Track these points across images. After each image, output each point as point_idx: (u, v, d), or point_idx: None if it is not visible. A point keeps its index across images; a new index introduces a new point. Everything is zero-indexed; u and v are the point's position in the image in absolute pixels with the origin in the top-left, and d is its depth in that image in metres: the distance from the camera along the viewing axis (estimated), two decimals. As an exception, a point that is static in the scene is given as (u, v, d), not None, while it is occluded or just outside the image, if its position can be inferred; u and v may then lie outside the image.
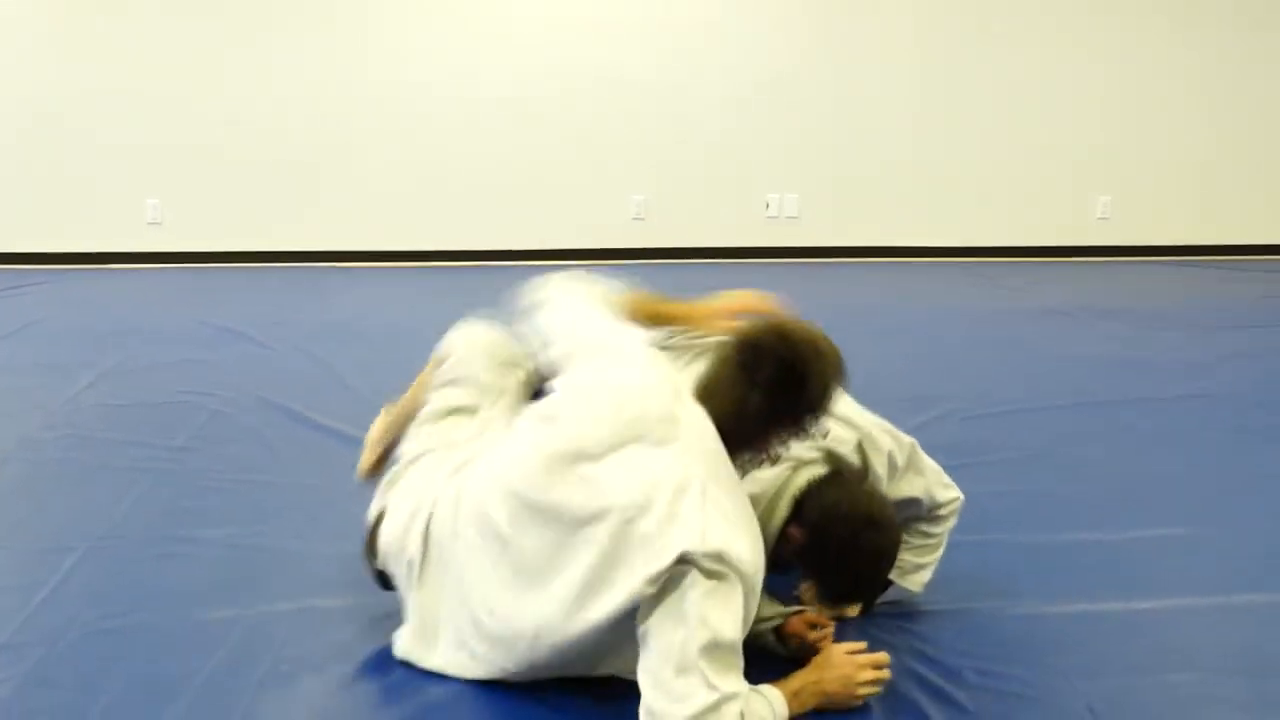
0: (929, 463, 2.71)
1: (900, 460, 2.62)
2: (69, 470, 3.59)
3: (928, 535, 2.72)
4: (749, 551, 2.09)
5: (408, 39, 7.17)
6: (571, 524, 2.12)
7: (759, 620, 2.37)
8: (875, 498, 2.41)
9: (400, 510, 2.42)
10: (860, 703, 2.26)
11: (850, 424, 2.55)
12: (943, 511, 2.72)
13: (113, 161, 7.15)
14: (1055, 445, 3.91)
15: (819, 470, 2.42)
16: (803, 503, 2.36)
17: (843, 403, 2.52)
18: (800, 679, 2.25)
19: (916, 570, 2.71)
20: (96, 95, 7.06)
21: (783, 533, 2.36)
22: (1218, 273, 7.47)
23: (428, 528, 2.34)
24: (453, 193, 7.41)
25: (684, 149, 7.45)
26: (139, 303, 6.21)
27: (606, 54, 7.32)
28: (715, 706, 1.99)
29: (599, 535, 2.08)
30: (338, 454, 3.55)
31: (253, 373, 4.68)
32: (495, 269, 7.16)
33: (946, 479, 2.74)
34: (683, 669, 2.00)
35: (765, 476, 2.40)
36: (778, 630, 2.44)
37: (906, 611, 2.68)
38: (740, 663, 2.08)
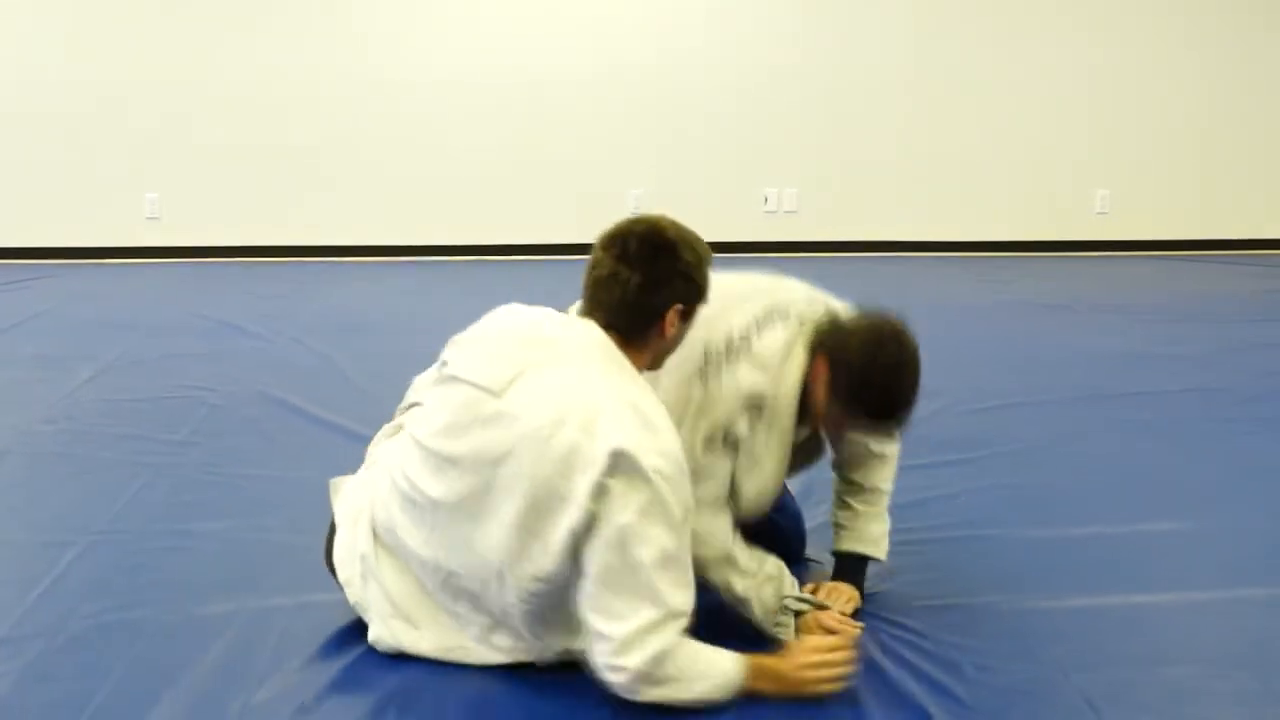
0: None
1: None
2: (68, 464, 3.59)
3: (885, 495, 2.75)
4: (669, 444, 2.13)
5: (406, 33, 7.16)
6: (492, 462, 2.16)
7: (783, 599, 2.44)
8: (883, 319, 2.46)
9: (345, 519, 2.47)
10: (814, 691, 2.25)
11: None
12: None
13: (111, 157, 7.15)
14: (1053, 439, 3.91)
15: (819, 320, 2.48)
16: (815, 346, 2.43)
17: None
18: (762, 657, 2.28)
19: (884, 538, 2.73)
20: (95, 90, 7.06)
21: (806, 384, 2.40)
22: (1216, 267, 7.47)
23: (372, 521, 2.40)
24: (451, 187, 7.40)
25: (682, 143, 7.45)
26: (138, 297, 6.21)
27: (606, 48, 7.32)
28: (659, 623, 2.07)
29: (522, 464, 2.12)
30: (337, 447, 3.55)
31: (252, 366, 4.68)
32: (493, 263, 7.16)
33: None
34: (623, 589, 2.06)
35: (765, 351, 2.41)
36: (797, 621, 2.46)
37: (905, 606, 2.68)
38: (690, 577, 2.13)
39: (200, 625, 2.55)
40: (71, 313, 5.76)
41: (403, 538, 2.33)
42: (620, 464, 2.05)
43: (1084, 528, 3.16)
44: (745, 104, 7.42)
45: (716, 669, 2.19)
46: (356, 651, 2.40)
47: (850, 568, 2.73)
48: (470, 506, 2.21)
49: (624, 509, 2.06)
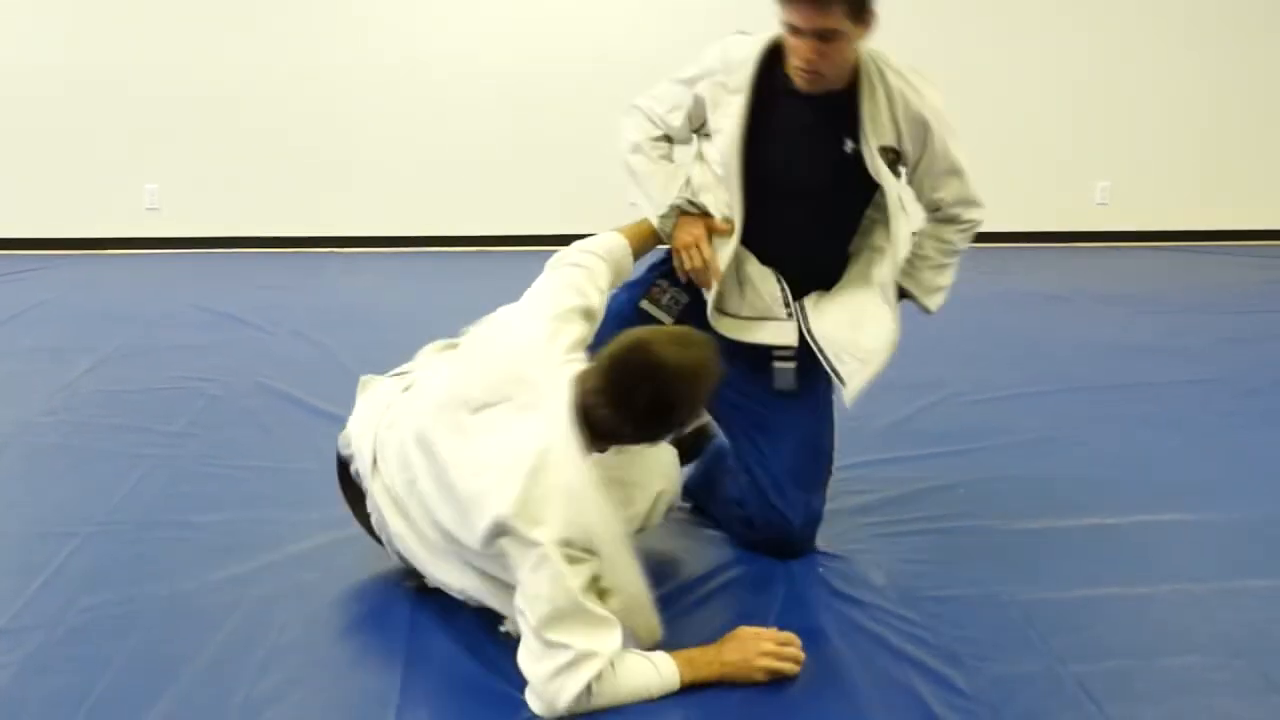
0: (966, 167, 2.80)
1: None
2: (68, 455, 3.59)
3: (947, 252, 2.86)
4: (572, 527, 2.14)
5: (407, 23, 7.14)
6: (443, 466, 2.28)
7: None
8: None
9: (360, 440, 2.60)
10: (761, 678, 2.28)
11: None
12: (964, 227, 2.86)
13: (111, 147, 7.13)
14: (1053, 431, 3.91)
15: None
16: None
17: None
18: (700, 649, 2.31)
19: (935, 291, 2.87)
20: (94, 81, 7.04)
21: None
22: (1217, 258, 7.46)
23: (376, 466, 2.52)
24: (452, 178, 7.39)
25: (683, 135, 7.43)
26: (137, 288, 6.20)
27: (607, 41, 7.30)
28: (572, 664, 2.11)
29: (457, 483, 2.24)
30: (336, 439, 3.54)
31: (251, 358, 4.68)
32: (495, 254, 7.15)
33: (976, 195, 2.85)
34: (535, 630, 2.13)
35: None
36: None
37: (904, 596, 2.68)
38: (597, 619, 2.15)
39: (200, 615, 2.55)
40: (70, 304, 5.75)
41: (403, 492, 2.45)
42: (503, 530, 2.13)
43: (1084, 519, 3.16)
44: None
45: (645, 683, 2.22)
46: (359, 640, 2.40)
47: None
48: (431, 490, 2.33)
49: (519, 565, 2.15)
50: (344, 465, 2.63)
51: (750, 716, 2.22)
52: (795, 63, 2.59)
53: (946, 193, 2.79)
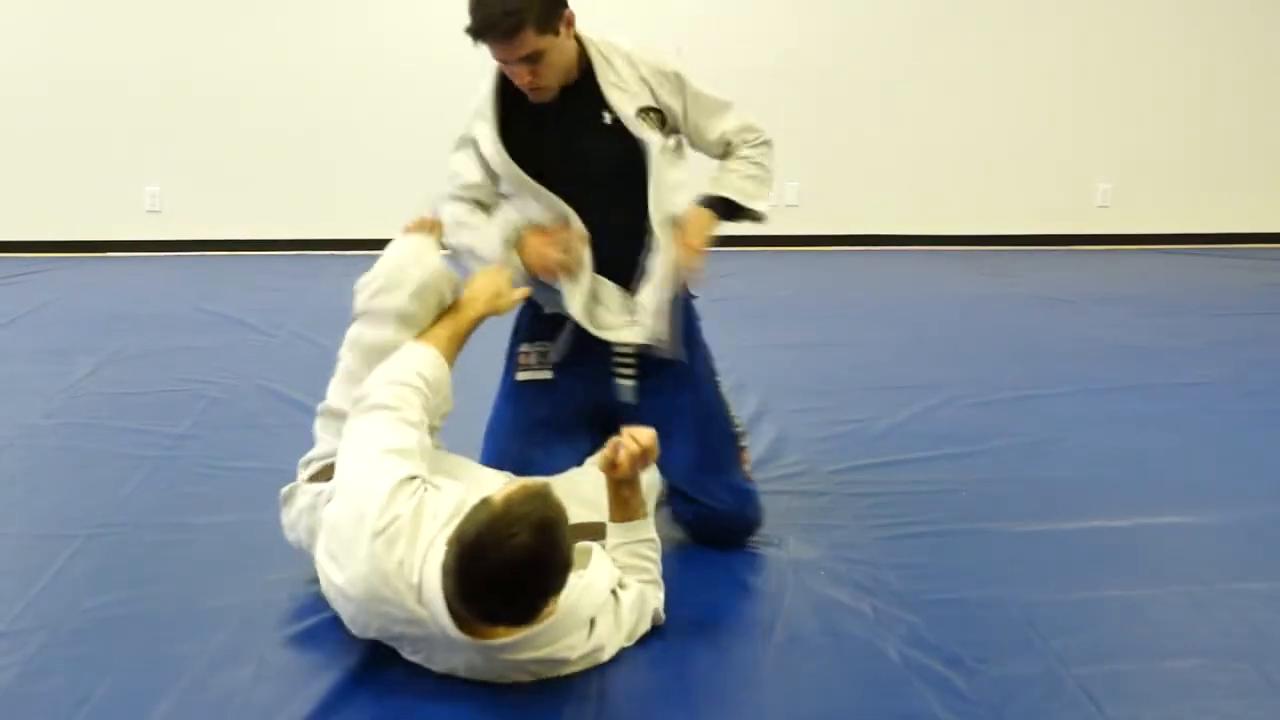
0: (733, 100, 2.92)
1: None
2: (69, 457, 3.59)
3: (752, 163, 2.90)
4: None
5: (409, 26, 7.14)
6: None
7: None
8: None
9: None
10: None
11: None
12: (752, 139, 2.91)
13: (112, 149, 7.14)
14: (1055, 433, 3.90)
15: None
16: None
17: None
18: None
19: (755, 198, 2.89)
20: (95, 83, 7.04)
21: None
22: (1218, 260, 7.47)
23: None
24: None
25: (684, 136, 7.43)
26: (138, 290, 6.20)
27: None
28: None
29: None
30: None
31: (252, 360, 4.68)
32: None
33: (753, 120, 2.94)
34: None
35: None
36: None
37: (905, 598, 2.68)
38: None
39: (201, 617, 2.55)
40: (72, 306, 5.75)
41: None
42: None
43: (1085, 521, 3.16)
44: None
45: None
46: (360, 644, 2.40)
47: (713, 205, 2.86)
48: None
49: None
50: None
51: (754, 716, 2.22)
52: (519, 85, 2.68)
53: (726, 126, 2.87)
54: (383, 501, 2.22)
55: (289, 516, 2.66)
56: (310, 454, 2.71)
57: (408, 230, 2.83)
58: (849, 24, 7.46)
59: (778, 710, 2.24)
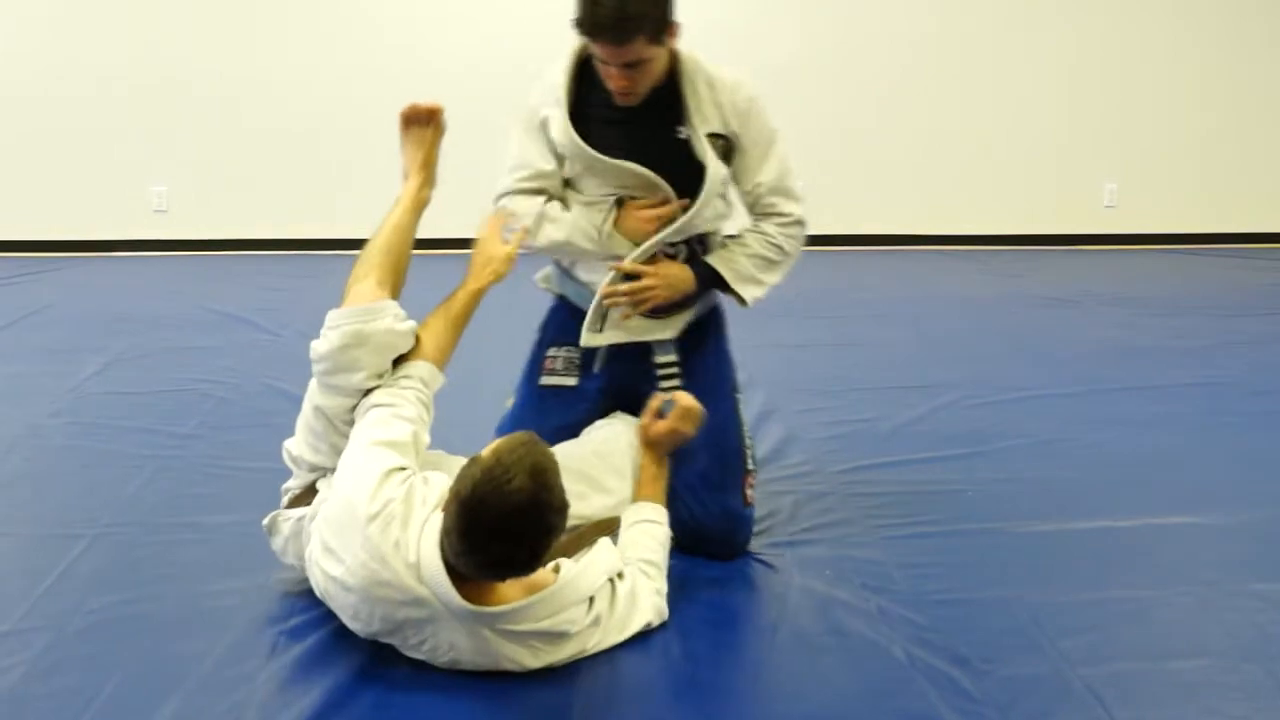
0: (786, 157, 2.86)
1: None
2: (75, 457, 3.60)
3: (769, 245, 2.85)
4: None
5: (413, 25, 7.15)
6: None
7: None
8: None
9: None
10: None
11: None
12: (783, 220, 2.85)
13: (118, 149, 7.14)
14: (1060, 433, 3.90)
15: None
16: None
17: None
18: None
19: (750, 282, 2.84)
20: (101, 83, 7.05)
21: None
22: (1225, 261, 7.45)
23: None
24: (459, 181, 7.38)
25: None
26: (145, 290, 6.21)
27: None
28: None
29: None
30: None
31: (259, 360, 4.68)
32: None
33: (794, 188, 2.86)
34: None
35: None
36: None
37: (911, 598, 2.68)
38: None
39: (208, 616, 2.56)
40: (79, 306, 5.76)
41: None
42: None
43: (1091, 521, 3.15)
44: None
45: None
46: (365, 643, 2.40)
47: (700, 272, 2.85)
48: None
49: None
50: None
51: (760, 715, 2.22)
52: (610, 86, 2.64)
53: (765, 175, 2.81)
54: (372, 488, 2.27)
55: (277, 544, 2.66)
56: (288, 483, 2.72)
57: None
58: (855, 23, 7.45)
59: (783, 709, 2.24)
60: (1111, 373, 4.65)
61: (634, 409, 2.85)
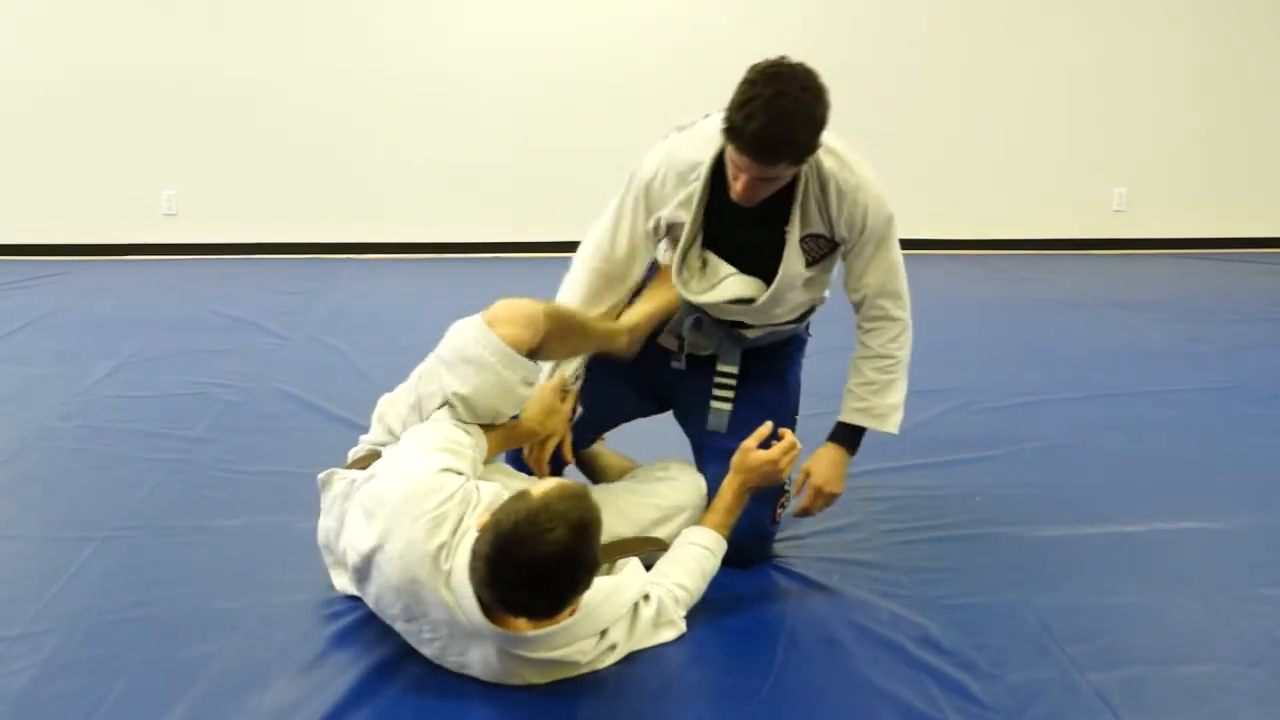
0: (899, 261, 2.82)
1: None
2: (85, 460, 3.61)
3: (886, 368, 2.83)
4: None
5: (422, 30, 7.16)
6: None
7: None
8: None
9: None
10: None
11: None
12: (893, 332, 2.82)
13: (128, 153, 7.17)
14: (1071, 437, 3.89)
15: None
16: None
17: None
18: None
19: (890, 413, 2.83)
20: (112, 87, 7.08)
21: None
22: (1234, 265, 7.43)
23: None
24: (468, 185, 7.40)
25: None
26: (154, 294, 6.22)
27: (620, 50, 7.31)
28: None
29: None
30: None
31: (268, 363, 4.69)
32: (510, 261, 7.16)
33: (902, 289, 2.82)
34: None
35: None
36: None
37: (920, 603, 2.67)
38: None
39: (217, 620, 2.56)
40: (88, 309, 5.78)
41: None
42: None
43: (1101, 526, 3.15)
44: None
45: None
46: (374, 646, 2.41)
47: (844, 438, 2.85)
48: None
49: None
50: None
51: (768, 719, 2.22)
52: (733, 186, 2.58)
53: (871, 278, 2.78)
54: (432, 486, 2.28)
55: (325, 500, 2.63)
56: (362, 438, 2.75)
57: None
58: (864, 27, 7.45)
59: (791, 712, 2.24)
60: (1122, 377, 4.64)
61: (669, 405, 3.00)
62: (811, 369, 3.03)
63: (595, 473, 3.16)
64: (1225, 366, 4.83)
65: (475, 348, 2.51)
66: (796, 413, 3.03)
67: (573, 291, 2.87)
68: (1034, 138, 7.71)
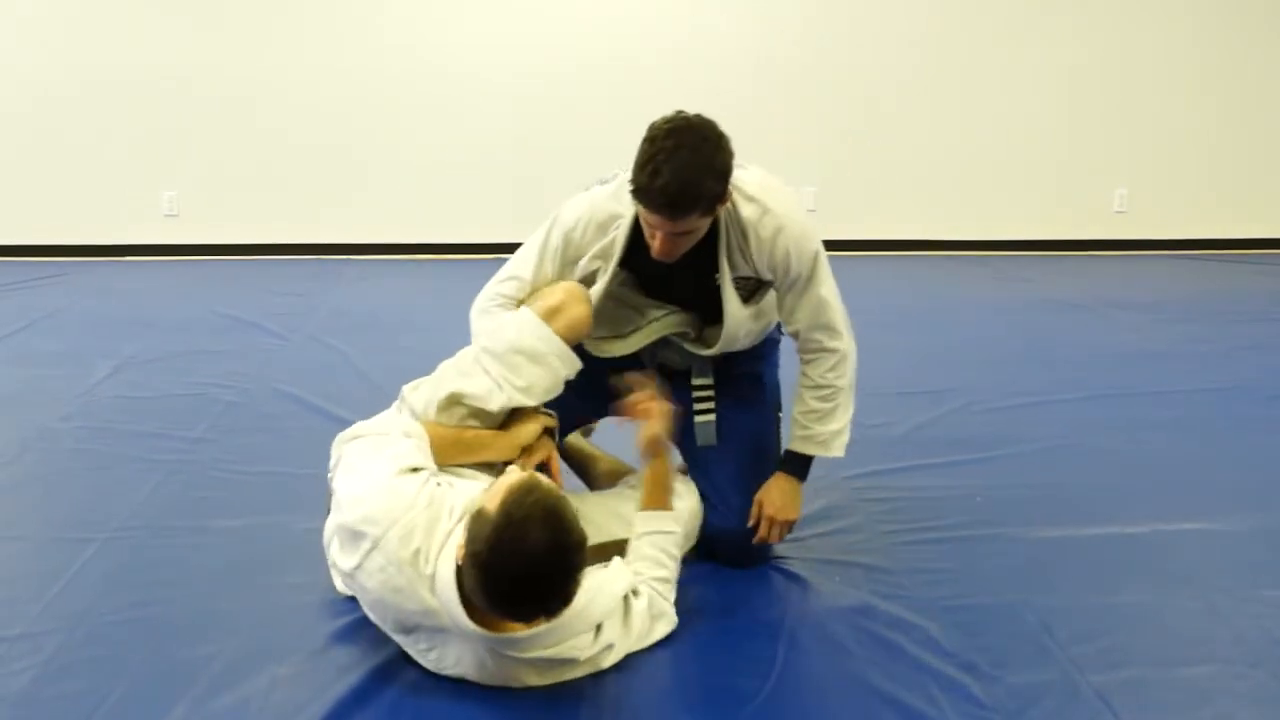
0: (831, 296, 2.79)
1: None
2: (86, 460, 3.61)
3: (827, 396, 2.80)
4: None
5: (422, 30, 7.16)
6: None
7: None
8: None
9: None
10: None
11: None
12: (831, 361, 2.81)
13: (129, 154, 7.17)
14: (1072, 438, 3.89)
15: None
16: None
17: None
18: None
19: (833, 439, 2.82)
20: (111, 87, 7.08)
21: None
22: (1235, 266, 7.43)
23: None
24: (467, 186, 7.40)
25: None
26: (155, 294, 6.23)
27: (620, 50, 7.31)
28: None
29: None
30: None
31: (269, 364, 4.69)
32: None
33: (836, 322, 2.80)
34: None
35: None
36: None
37: (921, 604, 2.67)
38: None
39: (217, 620, 2.56)
40: (89, 310, 5.78)
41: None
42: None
43: (1102, 527, 3.15)
44: (762, 103, 7.40)
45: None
46: (376, 646, 2.40)
47: (792, 466, 2.85)
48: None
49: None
50: None
51: (766, 723, 2.22)
52: (652, 245, 2.58)
53: (801, 314, 2.76)
54: (391, 498, 2.28)
55: (332, 501, 2.63)
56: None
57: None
58: (867, 28, 7.45)
59: (791, 713, 2.24)
60: (1122, 378, 4.64)
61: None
62: (792, 367, 3.03)
63: (587, 473, 3.17)
64: (1226, 367, 4.83)
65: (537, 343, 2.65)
66: (779, 409, 3.03)
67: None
68: (1035, 138, 7.71)
